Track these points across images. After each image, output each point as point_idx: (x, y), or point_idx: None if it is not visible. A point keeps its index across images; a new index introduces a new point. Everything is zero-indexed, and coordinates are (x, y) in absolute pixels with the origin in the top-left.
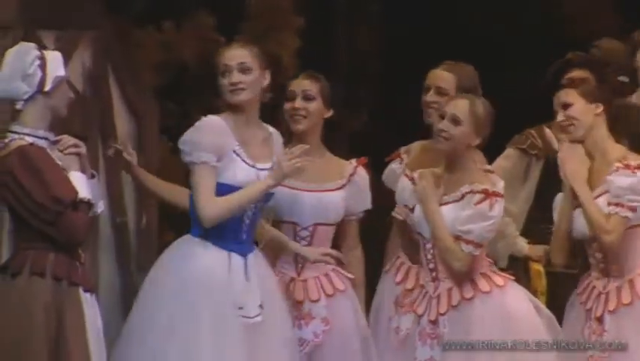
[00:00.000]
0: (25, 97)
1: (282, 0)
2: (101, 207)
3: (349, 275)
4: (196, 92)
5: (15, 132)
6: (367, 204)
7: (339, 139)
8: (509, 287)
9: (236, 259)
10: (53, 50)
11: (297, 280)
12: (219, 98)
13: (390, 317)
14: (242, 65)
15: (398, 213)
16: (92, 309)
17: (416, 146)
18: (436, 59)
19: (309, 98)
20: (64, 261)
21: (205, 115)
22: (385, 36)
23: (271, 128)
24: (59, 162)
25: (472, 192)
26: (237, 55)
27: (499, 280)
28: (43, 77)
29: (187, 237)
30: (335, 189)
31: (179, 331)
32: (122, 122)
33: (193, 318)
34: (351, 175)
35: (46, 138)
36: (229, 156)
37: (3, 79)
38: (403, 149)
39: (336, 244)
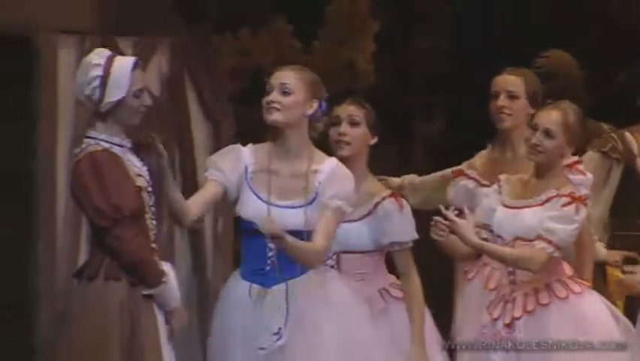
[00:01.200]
0: (92, 111)
1: (360, 5)
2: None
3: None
4: None
5: (91, 138)
6: (397, 237)
7: (416, 146)
8: (586, 294)
9: (257, 290)
10: (131, 56)
11: None
12: None
13: (483, 325)
14: (283, 86)
15: (437, 235)
16: (163, 316)
17: (481, 158)
18: (512, 64)
19: (354, 124)
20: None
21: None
22: (462, 40)
23: (324, 165)
24: (136, 169)
25: (558, 195)
26: (282, 75)
27: (575, 286)
28: (100, 99)
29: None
30: (353, 221)
31: None
32: (199, 129)
33: (220, 350)
34: (375, 207)
35: (121, 145)
36: (244, 187)
37: (75, 88)
38: (464, 165)
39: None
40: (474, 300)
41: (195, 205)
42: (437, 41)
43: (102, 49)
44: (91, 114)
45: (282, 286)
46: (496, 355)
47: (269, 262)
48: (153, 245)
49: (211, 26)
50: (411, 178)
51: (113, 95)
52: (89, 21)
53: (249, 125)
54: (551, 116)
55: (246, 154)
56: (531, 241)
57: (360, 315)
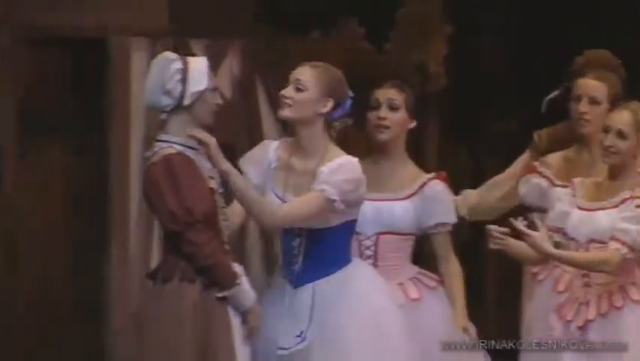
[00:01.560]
0: (168, 109)
1: (431, 8)
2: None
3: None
4: None
5: (164, 141)
6: (443, 217)
7: (490, 146)
8: None
9: (289, 289)
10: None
11: None
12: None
13: (551, 327)
14: (297, 82)
15: (494, 244)
16: (238, 317)
17: (556, 158)
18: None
19: (394, 108)
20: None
21: (350, 123)
22: (536, 44)
23: (332, 162)
24: (208, 172)
25: (632, 197)
26: (298, 72)
27: None
28: (183, 92)
29: None
30: (399, 199)
31: None
32: (270, 130)
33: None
34: (421, 187)
35: (193, 148)
36: (267, 183)
37: (147, 90)
38: (537, 163)
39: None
40: (543, 302)
41: (234, 216)
42: (508, 43)
43: (167, 52)
44: (165, 116)
45: (308, 286)
46: (565, 358)
47: (295, 260)
48: (226, 247)
49: (283, 29)
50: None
51: (195, 86)
52: (161, 24)
53: None
54: (623, 117)
55: (272, 150)
56: (605, 243)
57: (389, 323)
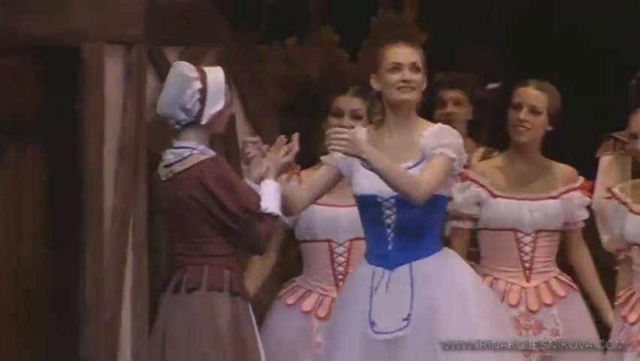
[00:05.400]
0: (184, 124)
1: (405, 15)
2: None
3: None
4: (318, 108)
5: (190, 148)
6: None
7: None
8: None
9: (380, 272)
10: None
11: None
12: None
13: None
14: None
15: None
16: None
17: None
18: (560, 71)
19: (357, 117)
20: (238, 278)
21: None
22: (509, 50)
23: (428, 129)
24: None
25: None
26: (409, 54)
27: None
28: (201, 112)
29: None
30: None
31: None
32: (244, 137)
33: (330, 337)
34: None
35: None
36: (357, 164)
37: (164, 100)
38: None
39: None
40: None
41: (307, 192)
42: (485, 51)
43: (183, 62)
44: (178, 127)
45: (405, 267)
46: (626, 359)
47: (389, 239)
48: None
49: (258, 36)
50: None
51: (214, 107)
52: (136, 31)
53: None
54: None
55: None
56: None
57: (486, 301)
